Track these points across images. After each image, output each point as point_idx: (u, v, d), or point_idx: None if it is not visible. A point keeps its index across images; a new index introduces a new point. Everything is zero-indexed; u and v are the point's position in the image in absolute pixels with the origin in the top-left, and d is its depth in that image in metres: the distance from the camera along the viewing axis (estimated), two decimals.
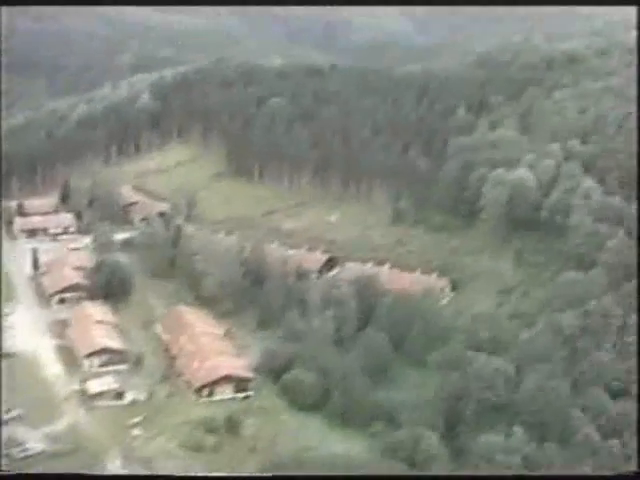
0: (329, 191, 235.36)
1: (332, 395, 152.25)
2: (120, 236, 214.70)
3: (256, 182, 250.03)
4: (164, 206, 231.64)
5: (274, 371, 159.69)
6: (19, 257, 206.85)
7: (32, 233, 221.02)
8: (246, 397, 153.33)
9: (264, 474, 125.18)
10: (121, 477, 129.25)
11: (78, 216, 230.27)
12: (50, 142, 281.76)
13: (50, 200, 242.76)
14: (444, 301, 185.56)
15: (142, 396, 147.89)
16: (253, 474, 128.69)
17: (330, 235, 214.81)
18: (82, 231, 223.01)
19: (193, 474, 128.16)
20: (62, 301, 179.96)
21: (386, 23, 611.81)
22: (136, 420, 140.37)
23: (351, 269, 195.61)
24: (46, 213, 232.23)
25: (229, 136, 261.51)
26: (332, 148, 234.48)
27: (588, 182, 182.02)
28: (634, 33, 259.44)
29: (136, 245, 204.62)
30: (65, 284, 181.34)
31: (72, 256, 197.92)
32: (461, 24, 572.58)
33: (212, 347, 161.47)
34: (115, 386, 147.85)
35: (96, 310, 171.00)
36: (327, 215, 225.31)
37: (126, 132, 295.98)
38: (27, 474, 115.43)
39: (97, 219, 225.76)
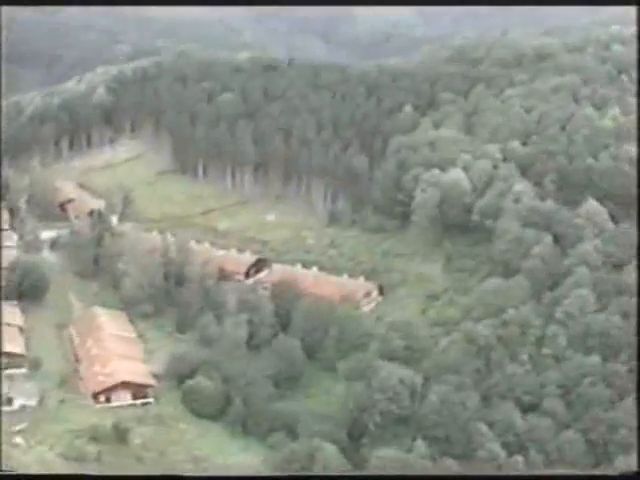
0: (270, 190, 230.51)
1: (234, 403, 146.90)
2: (50, 234, 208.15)
3: (200, 180, 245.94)
4: (99, 203, 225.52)
5: (181, 377, 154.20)
6: None
7: None
8: (145, 404, 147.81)
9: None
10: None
11: (13, 213, 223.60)
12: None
13: None
14: (370, 306, 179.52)
15: (33, 402, 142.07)
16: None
17: (265, 235, 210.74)
18: (15, 228, 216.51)
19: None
20: None
21: (393, 14, 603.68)
22: (20, 427, 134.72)
23: (277, 272, 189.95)
24: None
25: (175, 133, 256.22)
26: (274, 146, 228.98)
27: (520, 185, 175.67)
28: (612, 28, 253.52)
29: (62, 244, 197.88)
30: None
31: None
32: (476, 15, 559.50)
33: (117, 351, 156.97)
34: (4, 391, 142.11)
35: (4, 312, 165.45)
36: (264, 215, 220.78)
37: (79, 127, 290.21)
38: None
39: (33, 216, 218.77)
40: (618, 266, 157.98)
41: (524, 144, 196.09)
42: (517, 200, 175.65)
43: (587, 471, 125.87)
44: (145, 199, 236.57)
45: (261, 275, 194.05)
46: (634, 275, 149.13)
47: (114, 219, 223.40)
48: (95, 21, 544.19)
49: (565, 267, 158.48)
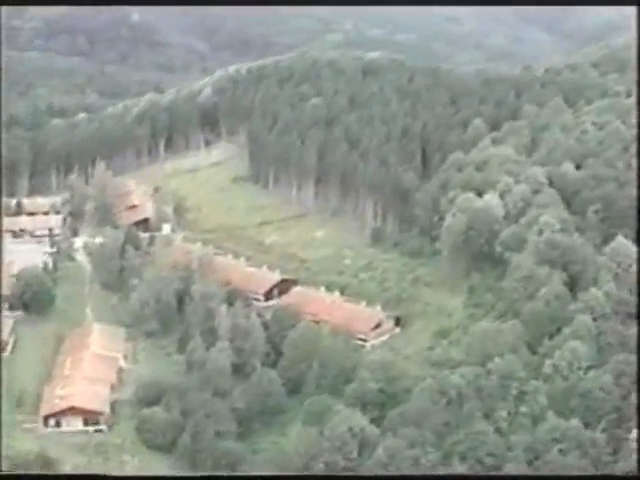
0: (329, 204, 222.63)
1: (182, 438, 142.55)
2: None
3: (269, 189, 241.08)
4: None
5: (148, 404, 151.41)
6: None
7: (17, 234, 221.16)
8: (97, 430, 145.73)
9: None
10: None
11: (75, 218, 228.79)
12: (100, 134, 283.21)
13: (54, 200, 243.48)
14: (381, 338, 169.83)
15: None
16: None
17: (305, 253, 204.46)
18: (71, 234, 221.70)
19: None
20: None
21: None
22: None
23: (295, 294, 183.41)
24: (43, 213, 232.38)
25: (253, 138, 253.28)
26: (335, 158, 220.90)
27: (547, 215, 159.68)
28: None
29: (93, 253, 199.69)
30: None
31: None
32: None
33: (87, 373, 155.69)
34: None
35: None
36: (315, 231, 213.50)
37: (179, 128, 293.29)
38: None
39: (93, 222, 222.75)
40: (632, 316, 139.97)
41: (578, 167, 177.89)
42: (541, 232, 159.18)
43: None
44: (210, 207, 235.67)
45: (283, 297, 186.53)
46: None
47: (167, 228, 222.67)
48: (314, 9, 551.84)
49: (570, 313, 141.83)
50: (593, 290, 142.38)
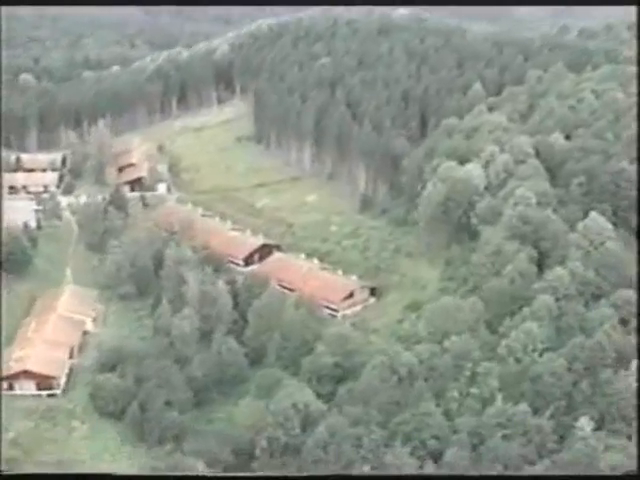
0: (326, 168, 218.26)
1: (132, 406, 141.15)
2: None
3: (272, 150, 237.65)
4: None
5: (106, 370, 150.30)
6: None
7: (13, 190, 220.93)
8: (51, 395, 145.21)
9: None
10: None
11: (75, 175, 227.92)
12: (112, 90, 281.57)
13: (54, 156, 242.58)
14: (353, 309, 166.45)
15: None
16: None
17: (294, 218, 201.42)
18: (63, 192, 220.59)
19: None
20: None
21: None
22: None
23: (273, 261, 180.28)
24: (42, 170, 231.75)
25: (258, 98, 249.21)
26: (332, 121, 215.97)
27: (522, 189, 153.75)
28: None
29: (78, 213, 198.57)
30: None
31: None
32: None
33: (48, 336, 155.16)
34: None
35: None
36: (307, 195, 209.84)
37: (195, 85, 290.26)
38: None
39: (90, 181, 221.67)
40: (596, 297, 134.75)
41: (568, 137, 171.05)
42: (516, 205, 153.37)
43: None
44: (209, 167, 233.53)
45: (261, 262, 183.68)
46: (607, 311, 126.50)
47: (162, 188, 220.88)
48: None
49: (533, 292, 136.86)
50: (558, 269, 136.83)
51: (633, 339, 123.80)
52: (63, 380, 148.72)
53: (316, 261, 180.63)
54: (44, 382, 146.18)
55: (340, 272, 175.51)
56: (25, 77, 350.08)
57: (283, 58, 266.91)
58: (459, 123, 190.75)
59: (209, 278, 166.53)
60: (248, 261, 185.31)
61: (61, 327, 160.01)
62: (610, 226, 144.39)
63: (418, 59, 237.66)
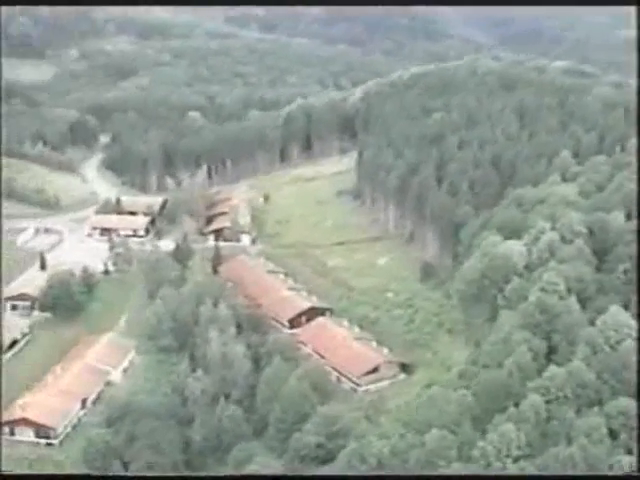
0: (406, 229, 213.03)
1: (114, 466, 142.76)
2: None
3: (366, 206, 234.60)
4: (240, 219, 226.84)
5: (108, 424, 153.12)
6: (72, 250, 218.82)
7: (105, 231, 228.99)
8: (49, 444, 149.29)
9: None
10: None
11: (170, 220, 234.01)
12: (242, 134, 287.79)
13: (155, 200, 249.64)
14: (377, 385, 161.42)
15: None
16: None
17: (357, 281, 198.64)
18: (153, 237, 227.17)
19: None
20: (14, 308, 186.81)
21: None
22: None
23: (315, 326, 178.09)
24: (142, 213, 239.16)
25: (362, 151, 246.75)
26: (420, 180, 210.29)
27: (550, 273, 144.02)
28: None
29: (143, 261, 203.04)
30: (17, 292, 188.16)
31: None
32: None
33: (63, 385, 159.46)
34: None
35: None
36: (380, 256, 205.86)
37: (320, 134, 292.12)
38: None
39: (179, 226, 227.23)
40: (594, 403, 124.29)
41: (629, 217, 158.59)
42: (542, 290, 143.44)
43: None
44: (300, 221, 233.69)
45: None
46: (596, 421, 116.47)
47: (245, 239, 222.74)
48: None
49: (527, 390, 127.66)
50: (553, 367, 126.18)
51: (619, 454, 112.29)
52: (62, 430, 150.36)
53: (357, 329, 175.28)
54: (42, 431, 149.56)
55: (374, 343, 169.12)
56: (193, 115, 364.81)
57: (399, 111, 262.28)
58: (527, 193, 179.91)
59: (232, 340, 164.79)
60: (293, 323, 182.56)
61: (82, 376, 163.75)
62: (633, 323, 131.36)
63: (527, 119, 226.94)
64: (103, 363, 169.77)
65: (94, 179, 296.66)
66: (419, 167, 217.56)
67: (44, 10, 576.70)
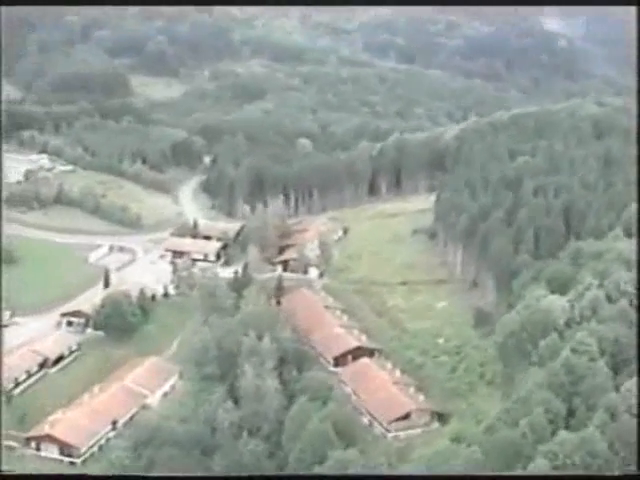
0: (470, 274, 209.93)
1: None
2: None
3: (439, 247, 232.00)
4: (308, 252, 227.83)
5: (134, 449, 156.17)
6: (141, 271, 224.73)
7: (177, 254, 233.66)
8: (72, 463, 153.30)
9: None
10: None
11: (243, 247, 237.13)
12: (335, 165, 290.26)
13: (232, 226, 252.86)
14: (408, 432, 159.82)
15: None
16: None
17: (411, 323, 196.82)
18: (224, 263, 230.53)
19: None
20: (69, 324, 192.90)
21: None
22: None
23: (357, 365, 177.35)
24: (217, 238, 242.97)
25: (442, 191, 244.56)
26: (487, 225, 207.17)
27: (583, 333, 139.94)
28: None
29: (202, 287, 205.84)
30: (74, 309, 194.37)
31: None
32: None
33: (96, 405, 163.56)
34: None
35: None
36: (441, 300, 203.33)
37: (412, 170, 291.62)
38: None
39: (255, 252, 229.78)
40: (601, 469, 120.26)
41: None
42: (573, 351, 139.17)
43: None
44: (370, 258, 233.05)
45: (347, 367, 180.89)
46: None
47: (313, 272, 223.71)
48: None
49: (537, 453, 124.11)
50: (563, 433, 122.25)
51: None
52: (86, 450, 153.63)
53: (398, 373, 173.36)
54: (66, 449, 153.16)
55: (412, 389, 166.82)
56: (303, 142, 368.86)
57: (487, 151, 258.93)
58: (586, 246, 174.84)
59: (268, 373, 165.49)
60: (339, 361, 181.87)
61: (117, 398, 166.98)
62: None
63: (611, 168, 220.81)
64: (142, 386, 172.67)
65: (186, 201, 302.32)
66: (491, 211, 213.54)
67: (182, 29, 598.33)
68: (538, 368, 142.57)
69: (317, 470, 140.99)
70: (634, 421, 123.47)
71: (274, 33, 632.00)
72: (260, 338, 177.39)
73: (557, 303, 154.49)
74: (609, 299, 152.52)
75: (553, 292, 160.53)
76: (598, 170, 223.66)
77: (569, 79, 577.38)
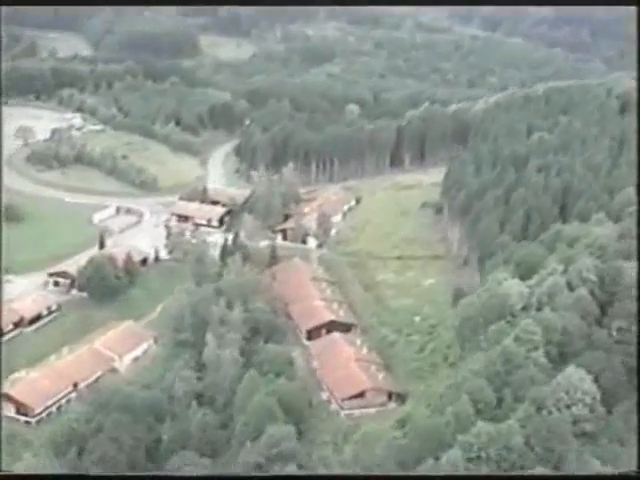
0: (464, 252, 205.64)
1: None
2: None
3: (443, 222, 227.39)
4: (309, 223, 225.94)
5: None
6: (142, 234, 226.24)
7: (182, 218, 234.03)
8: (27, 422, 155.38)
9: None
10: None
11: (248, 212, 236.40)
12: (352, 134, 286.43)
13: (242, 192, 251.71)
14: (368, 411, 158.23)
15: None
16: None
17: (394, 300, 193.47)
18: (224, 227, 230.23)
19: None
20: (56, 284, 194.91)
21: None
22: None
23: (326, 342, 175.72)
24: (222, 204, 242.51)
25: (452, 165, 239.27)
26: (487, 202, 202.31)
27: (528, 320, 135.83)
28: None
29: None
30: (61, 269, 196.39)
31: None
32: None
33: (60, 366, 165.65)
34: None
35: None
36: (431, 277, 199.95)
37: (435, 141, 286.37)
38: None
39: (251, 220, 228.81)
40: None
41: None
42: (516, 340, 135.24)
43: None
44: (373, 230, 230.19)
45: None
46: None
47: (312, 242, 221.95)
48: None
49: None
50: (480, 424, 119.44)
51: None
52: (42, 410, 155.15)
53: (365, 351, 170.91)
54: (22, 409, 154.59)
55: (377, 368, 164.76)
56: (351, 107, 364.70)
57: (508, 126, 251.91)
58: (565, 230, 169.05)
59: (230, 344, 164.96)
60: (312, 334, 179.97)
61: (83, 360, 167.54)
62: (592, 387, 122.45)
63: (620, 149, 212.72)
64: (111, 350, 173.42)
65: (214, 164, 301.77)
66: (491, 188, 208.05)
67: None
68: (480, 354, 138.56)
69: (253, 445, 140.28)
70: (560, 416, 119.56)
71: None
72: (231, 307, 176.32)
73: (516, 288, 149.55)
74: (569, 286, 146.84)
75: (521, 276, 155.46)
76: (608, 150, 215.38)
77: None
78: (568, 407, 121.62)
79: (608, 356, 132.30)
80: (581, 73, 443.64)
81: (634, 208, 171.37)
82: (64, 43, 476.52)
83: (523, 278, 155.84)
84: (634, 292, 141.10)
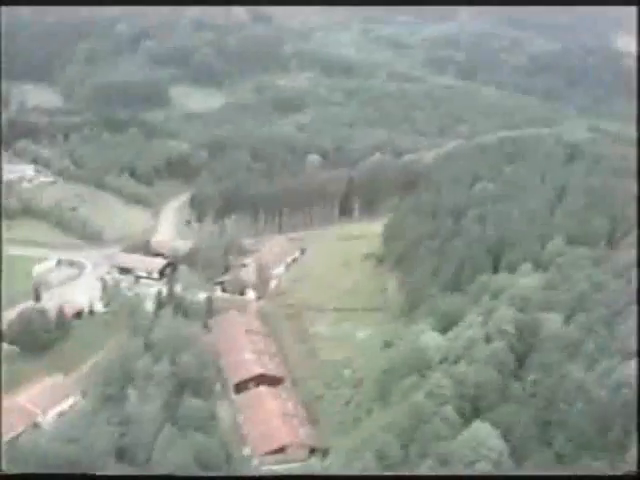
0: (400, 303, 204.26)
1: None
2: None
3: (391, 272, 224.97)
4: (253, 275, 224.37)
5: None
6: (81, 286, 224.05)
7: (123, 271, 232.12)
8: None
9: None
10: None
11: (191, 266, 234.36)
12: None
13: (184, 244, 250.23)
14: (286, 467, 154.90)
15: None
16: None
17: (326, 353, 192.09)
18: (165, 280, 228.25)
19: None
20: None
21: None
22: None
23: (251, 396, 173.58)
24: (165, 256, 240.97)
25: (395, 214, 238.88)
26: (425, 252, 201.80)
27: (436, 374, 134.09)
28: None
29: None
30: None
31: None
32: None
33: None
34: None
35: None
36: (363, 330, 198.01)
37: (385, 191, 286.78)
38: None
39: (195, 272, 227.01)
40: None
41: (568, 319, 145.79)
42: (429, 395, 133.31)
43: None
44: (314, 281, 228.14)
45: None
46: None
47: (250, 293, 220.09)
48: None
49: None
50: None
51: None
52: None
53: (291, 405, 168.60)
54: None
55: (303, 422, 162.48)
56: (312, 158, 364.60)
57: (455, 176, 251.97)
58: (491, 280, 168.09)
59: (151, 399, 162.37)
60: (240, 388, 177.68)
61: (5, 416, 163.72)
62: (498, 443, 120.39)
63: (561, 197, 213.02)
64: (35, 405, 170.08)
65: (167, 216, 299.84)
66: (427, 239, 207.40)
67: (230, 42, 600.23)
68: (391, 409, 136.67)
69: None
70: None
71: (328, 47, 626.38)
72: (158, 361, 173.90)
73: (434, 341, 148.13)
74: (487, 339, 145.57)
75: (444, 328, 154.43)
76: (547, 198, 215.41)
77: (632, 99, 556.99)
78: (472, 463, 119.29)
79: (520, 409, 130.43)
80: (552, 121, 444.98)
81: (563, 258, 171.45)
82: (37, 94, 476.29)
83: (445, 330, 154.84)
84: (552, 344, 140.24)
